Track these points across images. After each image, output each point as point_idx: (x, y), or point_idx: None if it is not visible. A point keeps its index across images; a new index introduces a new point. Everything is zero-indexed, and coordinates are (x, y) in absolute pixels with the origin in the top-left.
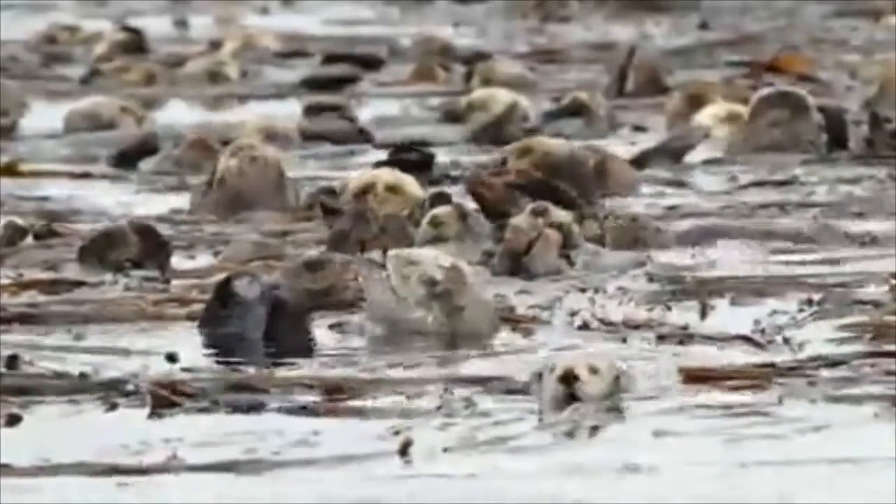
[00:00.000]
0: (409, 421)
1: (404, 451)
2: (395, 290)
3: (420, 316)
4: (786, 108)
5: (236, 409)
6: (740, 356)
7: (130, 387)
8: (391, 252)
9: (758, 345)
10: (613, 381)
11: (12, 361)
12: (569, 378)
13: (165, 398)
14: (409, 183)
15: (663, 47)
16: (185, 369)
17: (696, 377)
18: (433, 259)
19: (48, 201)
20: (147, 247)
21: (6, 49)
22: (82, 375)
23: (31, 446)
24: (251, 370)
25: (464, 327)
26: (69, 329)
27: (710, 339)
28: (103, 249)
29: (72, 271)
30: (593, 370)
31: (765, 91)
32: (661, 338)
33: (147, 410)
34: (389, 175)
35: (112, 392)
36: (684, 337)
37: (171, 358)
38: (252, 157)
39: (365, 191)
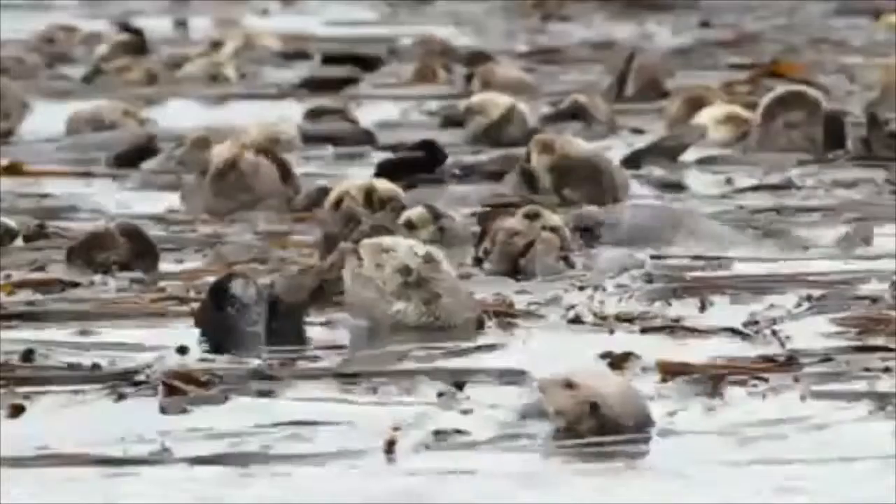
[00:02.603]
0: (400, 416)
1: (390, 448)
2: (372, 279)
3: (400, 308)
4: (801, 109)
5: (235, 401)
6: (725, 349)
7: (141, 377)
8: (365, 241)
9: (745, 337)
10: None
11: (28, 355)
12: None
13: (177, 388)
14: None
15: (664, 47)
16: (201, 359)
17: (677, 370)
18: (407, 247)
19: (46, 200)
20: (134, 248)
21: (7, 49)
22: (95, 366)
23: (33, 436)
24: (257, 362)
25: (444, 315)
26: (73, 326)
27: (696, 331)
28: (91, 251)
29: (60, 272)
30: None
31: (778, 91)
32: (645, 330)
33: (154, 401)
34: (363, 182)
35: (121, 383)
36: (670, 330)
37: (182, 350)
38: (247, 154)
39: (340, 199)
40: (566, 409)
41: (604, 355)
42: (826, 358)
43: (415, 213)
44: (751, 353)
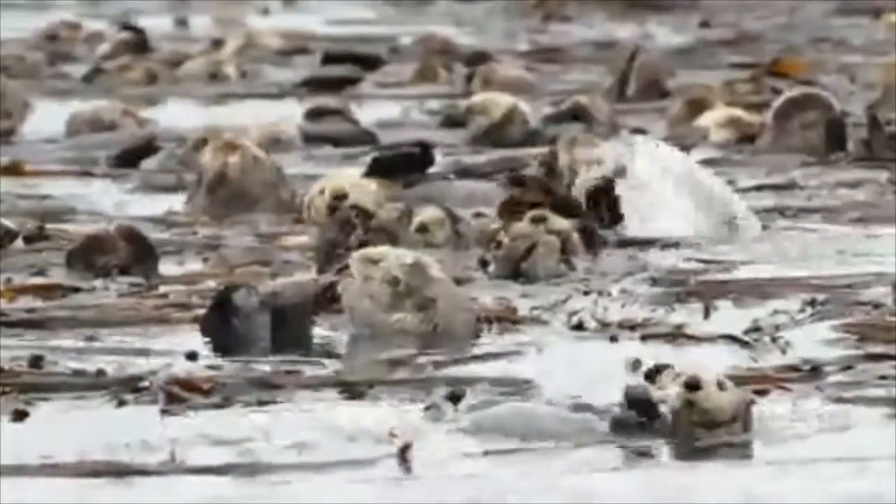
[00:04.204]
0: (409, 423)
1: (403, 454)
2: (365, 292)
3: (399, 317)
4: (814, 110)
5: (240, 407)
6: (725, 357)
7: (144, 383)
8: (354, 254)
9: (745, 345)
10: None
11: (37, 361)
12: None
13: (177, 395)
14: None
15: (665, 46)
16: (207, 367)
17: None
18: (395, 257)
19: (46, 200)
20: (134, 251)
21: (7, 48)
22: (99, 373)
23: (36, 444)
24: (267, 368)
25: (442, 321)
26: (75, 334)
27: (696, 339)
28: (90, 254)
29: (59, 276)
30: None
31: (792, 93)
32: (645, 338)
33: (156, 407)
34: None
35: (123, 389)
36: (673, 337)
37: (192, 356)
38: (244, 155)
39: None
40: (724, 407)
41: (634, 365)
42: (846, 366)
43: (428, 215)
44: (748, 361)
